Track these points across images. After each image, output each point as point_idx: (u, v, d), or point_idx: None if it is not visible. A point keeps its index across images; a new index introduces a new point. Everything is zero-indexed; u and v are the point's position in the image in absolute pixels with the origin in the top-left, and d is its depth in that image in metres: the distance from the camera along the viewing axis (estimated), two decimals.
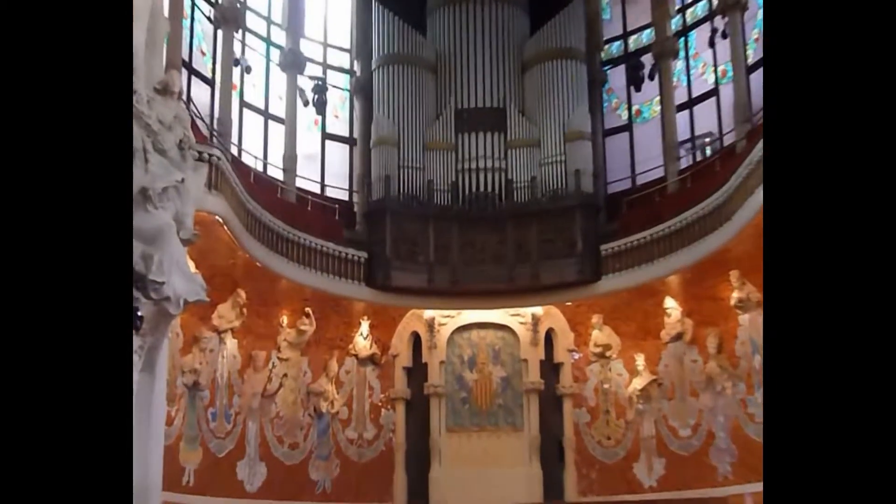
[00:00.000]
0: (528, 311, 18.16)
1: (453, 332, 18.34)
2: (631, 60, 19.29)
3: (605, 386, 17.84)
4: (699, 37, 18.61)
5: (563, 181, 17.94)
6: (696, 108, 18.47)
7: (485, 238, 17.86)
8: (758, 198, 13.59)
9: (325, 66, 19.35)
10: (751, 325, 15.37)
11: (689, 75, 18.72)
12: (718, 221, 15.35)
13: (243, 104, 17.71)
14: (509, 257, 17.77)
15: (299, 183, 18.03)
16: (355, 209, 18.62)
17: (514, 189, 18.14)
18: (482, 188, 18.16)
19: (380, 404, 17.99)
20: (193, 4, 16.57)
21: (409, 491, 17.66)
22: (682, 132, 18.33)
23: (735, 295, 15.54)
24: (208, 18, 17.14)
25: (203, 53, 17.07)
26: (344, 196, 18.92)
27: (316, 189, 18.57)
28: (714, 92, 18.21)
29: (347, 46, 19.72)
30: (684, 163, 18.28)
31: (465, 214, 17.99)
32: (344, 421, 17.47)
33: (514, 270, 17.70)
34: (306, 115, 18.70)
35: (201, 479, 14.13)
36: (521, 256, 17.73)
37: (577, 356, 18.16)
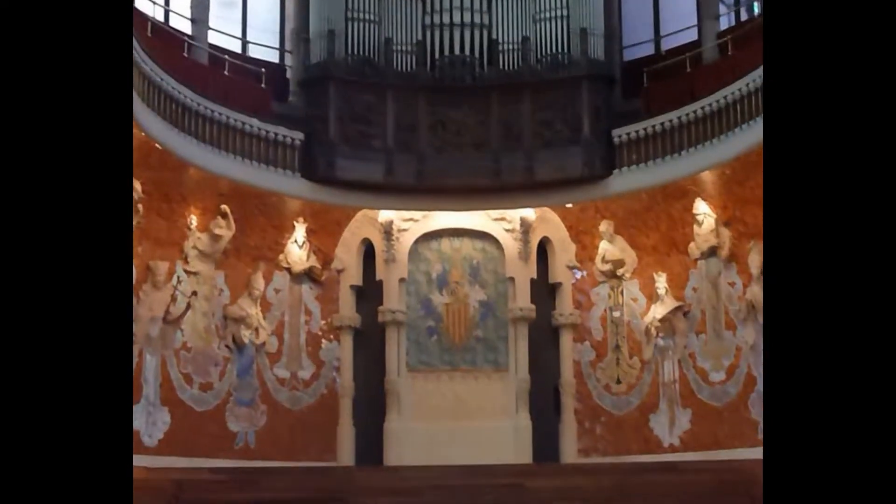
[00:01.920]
0: (516, 215, 18.24)
1: (418, 241, 18.39)
2: None
3: (616, 314, 18.03)
4: None
5: (565, 43, 17.94)
6: None
7: (461, 117, 17.87)
8: None
9: None
10: None
11: None
12: None
13: None
14: (493, 143, 17.79)
15: (212, 38, 18.10)
16: (288, 75, 18.68)
17: (500, 52, 18.11)
18: (458, 50, 18.07)
19: (320, 334, 18.13)
20: None
21: (357, 448, 17.88)
22: None
23: None
24: None
25: None
26: (273, 57, 18.95)
27: (236, 47, 18.54)
28: None
29: None
30: (725, 22, 18.42)
31: (435, 85, 17.96)
32: (272, 355, 17.59)
33: (500, 160, 17.69)
34: None
35: None
36: (508, 142, 17.78)
37: (579, 275, 18.31)
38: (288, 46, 18.77)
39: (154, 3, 17.28)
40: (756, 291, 16.15)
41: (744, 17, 18.28)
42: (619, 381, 17.83)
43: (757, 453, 15.12)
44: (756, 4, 18.29)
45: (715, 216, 16.83)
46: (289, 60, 18.70)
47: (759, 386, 16.11)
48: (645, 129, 17.14)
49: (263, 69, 18.27)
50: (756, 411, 16.12)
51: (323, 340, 18.07)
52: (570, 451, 17.74)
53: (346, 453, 17.73)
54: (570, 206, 18.01)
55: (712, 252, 16.89)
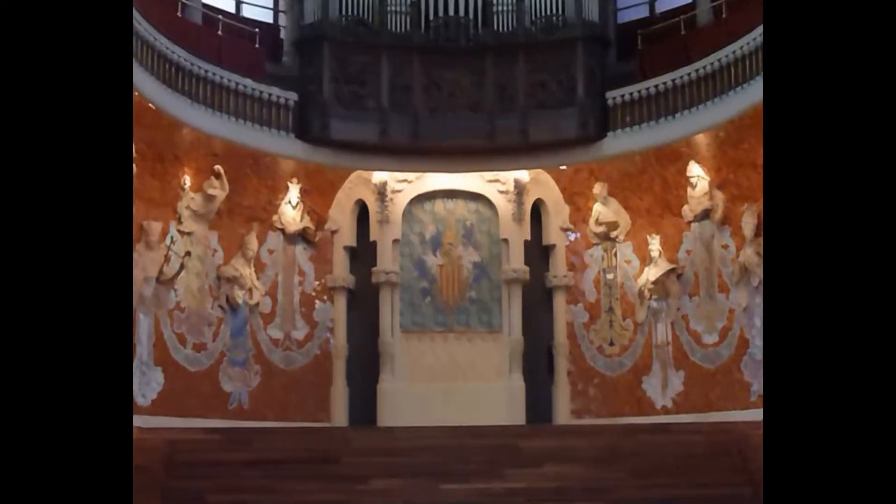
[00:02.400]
0: (510, 177, 18.23)
1: (411, 202, 18.39)
2: None
3: (610, 276, 18.06)
4: None
5: (559, 5, 17.85)
6: None
7: (455, 78, 17.81)
8: None
9: None
10: None
11: None
12: (762, 64, 15.30)
13: None
14: (487, 104, 17.74)
15: None
16: (282, 35, 18.60)
17: (495, 13, 18.00)
18: (452, 11, 17.95)
19: (313, 295, 18.13)
20: None
21: (350, 408, 17.94)
22: None
23: None
24: None
25: None
26: (267, 17, 18.84)
27: (230, 7, 18.43)
28: None
29: None
30: None
31: (430, 46, 17.85)
32: (266, 315, 17.63)
33: (494, 122, 17.66)
34: None
35: None
36: (503, 104, 17.72)
37: (573, 237, 18.32)
38: (282, 6, 18.65)
39: None
40: (749, 254, 16.23)
41: None
42: (612, 343, 17.88)
43: (748, 415, 15.48)
44: None
45: (709, 179, 16.84)
46: (283, 21, 18.57)
47: (752, 349, 16.20)
48: (639, 91, 17.12)
49: (257, 29, 18.16)
50: (748, 373, 16.23)
51: (316, 301, 18.07)
52: (563, 412, 17.82)
53: (339, 414, 17.78)
54: (564, 168, 18.00)
55: (706, 215, 16.92)
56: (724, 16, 17.27)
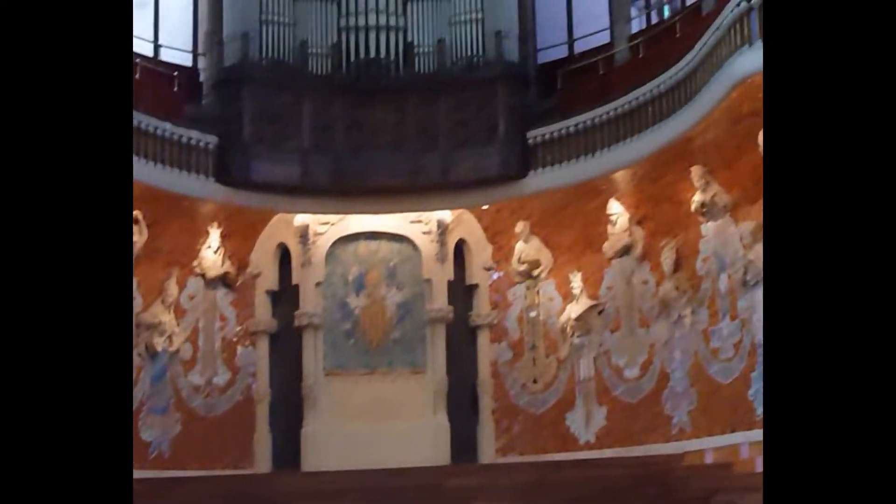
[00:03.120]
0: (433, 217, 18.28)
1: (334, 244, 18.36)
2: None
3: (532, 314, 18.09)
4: None
5: (480, 45, 18.01)
6: None
7: (378, 118, 17.90)
8: (729, 71, 13.86)
9: None
10: (716, 235, 15.66)
11: None
12: (679, 102, 15.54)
13: None
14: (410, 144, 17.84)
15: None
16: (201, 77, 18.54)
17: (417, 54, 18.16)
18: (374, 52, 18.07)
19: (235, 340, 18.01)
20: None
21: (274, 453, 17.80)
22: None
23: (697, 198, 15.76)
24: None
25: None
26: (186, 61, 18.77)
27: (147, 49, 18.32)
28: None
29: None
30: (636, 25, 18.59)
31: (352, 86, 17.95)
32: (187, 362, 17.45)
33: (416, 161, 17.75)
34: None
35: None
36: (425, 143, 17.84)
37: (496, 276, 18.38)
38: (201, 49, 18.57)
39: None
40: (668, 288, 16.37)
41: (654, 19, 18.41)
42: (535, 381, 17.87)
43: (671, 448, 15.66)
44: (667, 7, 18.46)
45: (628, 215, 16.95)
46: (202, 63, 18.52)
47: (672, 381, 16.32)
48: (560, 129, 17.23)
49: (176, 72, 18.13)
50: (670, 406, 16.32)
51: (238, 346, 17.93)
52: (488, 450, 17.78)
53: (263, 460, 17.63)
54: (486, 207, 18.08)
55: (626, 251, 17.00)
56: (641, 54, 17.49)
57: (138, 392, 16.65)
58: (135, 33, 17.61)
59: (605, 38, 18.41)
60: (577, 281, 17.53)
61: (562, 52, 19.00)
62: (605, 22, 18.42)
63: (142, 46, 17.95)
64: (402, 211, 18.13)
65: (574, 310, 17.50)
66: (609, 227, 17.15)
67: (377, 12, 18.06)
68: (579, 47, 18.84)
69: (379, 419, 17.80)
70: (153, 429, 16.81)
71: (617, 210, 17.05)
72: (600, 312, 17.36)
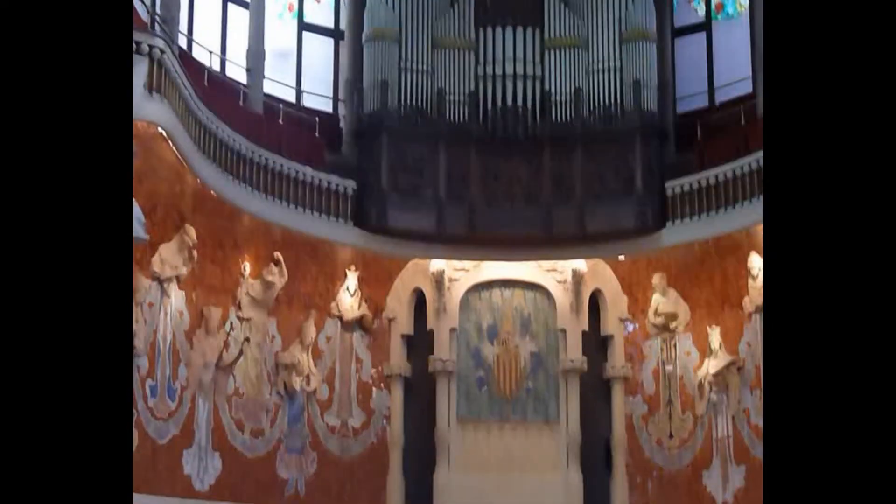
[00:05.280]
0: (568, 267, 18.28)
1: (469, 292, 18.50)
2: None
3: (669, 368, 18.07)
4: None
5: (617, 96, 18.09)
6: None
7: (513, 169, 18.03)
8: None
9: None
10: None
11: None
12: None
13: None
14: (545, 195, 17.95)
15: (268, 88, 18.23)
16: (341, 125, 18.81)
17: (553, 104, 18.26)
18: (510, 102, 18.26)
19: (370, 383, 18.20)
20: None
21: (406, 499, 17.89)
22: None
23: None
24: None
25: None
26: (327, 107, 19.10)
27: (290, 97, 18.79)
28: None
29: None
30: None
31: (488, 136, 18.11)
32: (323, 403, 17.67)
33: (552, 213, 17.86)
34: None
35: (136, 471, 13.67)
36: (560, 194, 17.91)
37: (631, 328, 18.37)
38: (341, 96, 18.89)
39: (210, 52, 17.58)
40: None
41: None
42: (671, 437, 17.77)
43: None
44: None
45: None
46: (342, 110, 18.83)
47: None
48: (698, 181, 17.12)
49: (317, 118, 18.46)
50: None
51: (374, 390, 18.09)
52: None
53: None
54: (622, 258, 18.06)
55: None
56: None
57: (276, 430, 16.95)
58: (277, 79, 18.39)
59: (747, 87, 18.32)
60: (715, 336, 17.38)
61: (702, 102, 19.04)
62: (747, 71, 18.35)
63: (285, 93, 18.54)
64: (536, 260, 18.16)
65: (712, 365, 17.38)
66: (749, 282, 16.94)
67: (514, 60, 18.24)
68: (720, 97, 18.83)
69: (511, 470, 17.78)
70: (290, 468, 17.04)
71: (758, 265, 16.72)
72: (739, 369, 17.17)
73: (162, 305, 15.01)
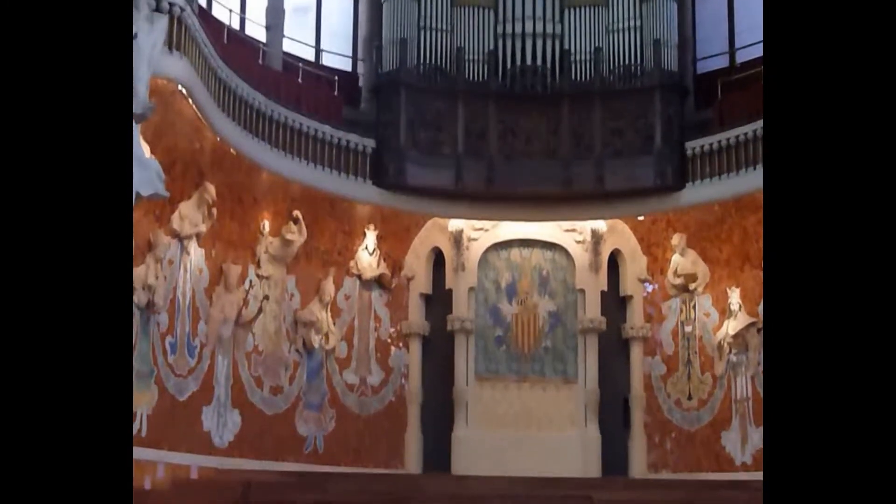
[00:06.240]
0: (587, 226, 18.39)
1: (487, 250, 18.60)
2: None
3: (688, 329, 18.11)
4: None
5: (638, 54, 18.14)
6: None
7: (532, 125, 18.08)
8: None
9: None
10: None
11: None
12: None
13: None
14: (564, 152, 17.96)
15: (287, 46, 18.37)
16: (360, 82, 18.99)
17: (573, 62, 18.30)
18: (529, 60, 18.28)
19: (389, 341, 18.37)
20: None
21: (424, 455, 18.13)
22: None
23: None
24: None
25: None
26: (346, 65, 19.25)
27: (309, 54, 18.87)
28: None
29: None
30: None
31: (507, 93, 18.17)
32: (342, 360, 17.83)
33: (571, 170, 17.88)
34: None
35: (155, 427, 14.27)
36: (579, 151, 17.93)
37: (651, 288, 18.44)
38: (360, 54, 19.02)
39: (230, 10, 17.58)
40: None
41: None
42: (690, 397, 17.83)
43: None
44: None
45: None
46: (361, 68, 18.95)
47: None
48: (718, 141, 17.12)
49: (336, 76, 18.56)
50: None
51: (392, 347, 18.26)
52: (639, 465, 17.82)
53: (413, 460, 17.95)
54: (641, 217, 18.11)
55: None
56: None
57: (294, 387, 17.12)
58: (296, 37, 18.43)
59: None
60: (734, 297, 17.42)
61: (723, 62, 19.01)
62: None
63: (304, 51, 18.54)
64: (555, 219, 18.23)
65: (732, 326, 17.42)
66: None
67: (534, 19, 18.26)
68: (741, 57, 18.78)
69: (529, 427, 17.98)
70: (308, 424, 17.25)
71: None
72: (759, 330, 17.09)
73: (181, 262, 15.09)
